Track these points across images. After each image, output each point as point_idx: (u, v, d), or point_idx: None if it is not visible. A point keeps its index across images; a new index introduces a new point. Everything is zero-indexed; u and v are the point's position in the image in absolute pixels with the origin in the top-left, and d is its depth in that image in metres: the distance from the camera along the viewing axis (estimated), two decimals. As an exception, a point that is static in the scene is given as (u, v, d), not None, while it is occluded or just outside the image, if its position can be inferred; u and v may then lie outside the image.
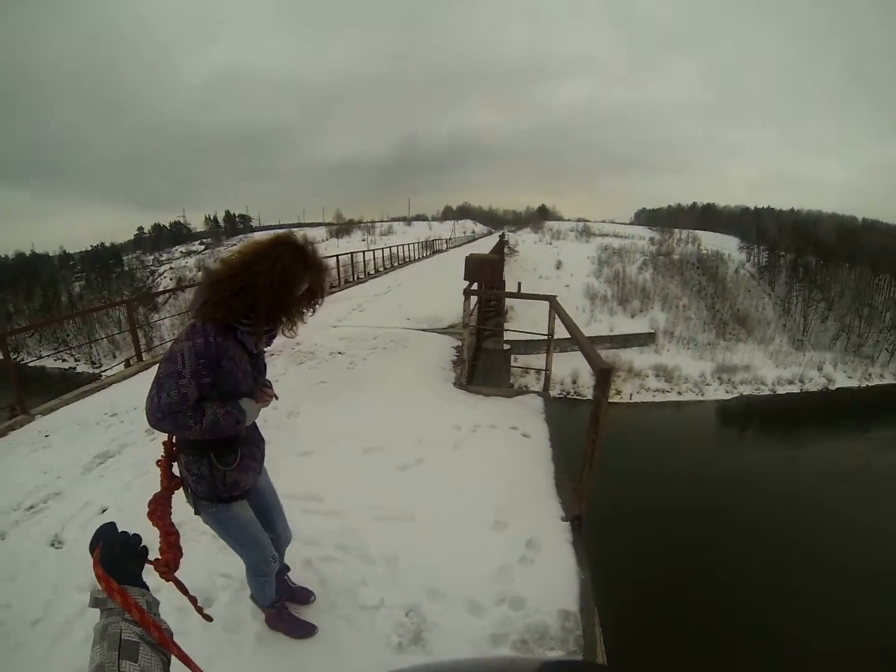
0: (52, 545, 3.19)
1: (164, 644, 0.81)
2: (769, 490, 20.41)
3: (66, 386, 6.71)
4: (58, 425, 5.23)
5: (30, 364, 29.01)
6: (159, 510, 1.71)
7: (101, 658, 0.73)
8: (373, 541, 3.01)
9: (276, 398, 2.01)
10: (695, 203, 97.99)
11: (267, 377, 2.08)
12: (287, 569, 2.55)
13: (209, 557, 2.80)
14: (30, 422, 5.38)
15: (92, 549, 0.91)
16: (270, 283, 1.68)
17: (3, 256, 77.55)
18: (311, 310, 1.94)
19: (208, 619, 1.65)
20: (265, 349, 1.96)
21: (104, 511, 3.49)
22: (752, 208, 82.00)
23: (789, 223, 64.80)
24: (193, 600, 1.58)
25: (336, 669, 2.24)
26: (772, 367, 38.90)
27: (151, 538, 1.57)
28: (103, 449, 4.50)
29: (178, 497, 1.86)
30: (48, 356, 36.20)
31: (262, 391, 1.91)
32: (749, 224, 67.58)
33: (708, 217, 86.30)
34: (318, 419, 4.91)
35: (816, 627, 12.93)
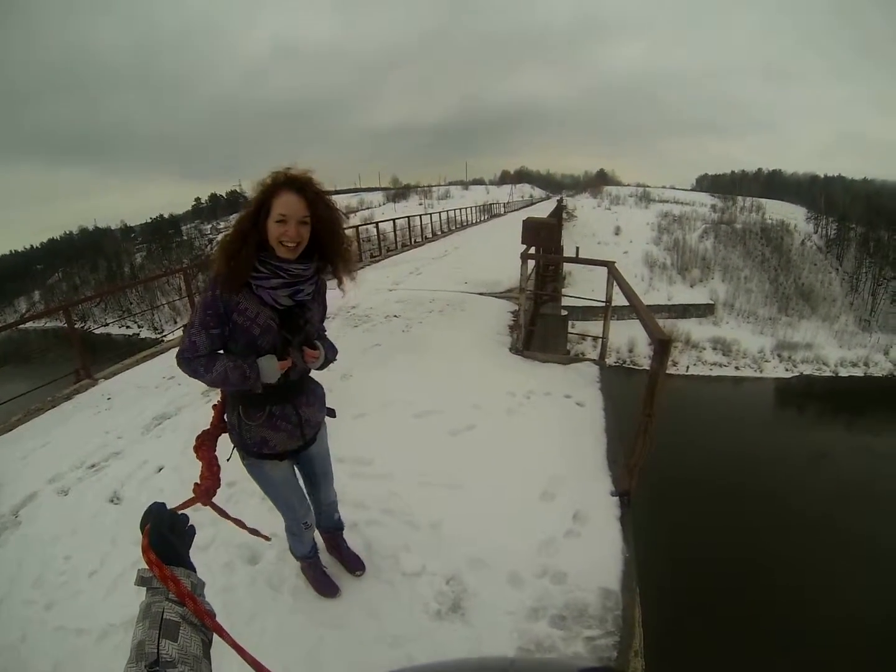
0: (112, 501, 3.34)
1: (216, 630, 0.82)
2: (827, 474, 19.46)
3: (127, 351, 6.98)
4: (119, 389, 5.47)
5: (96, 332, 30.44)
6: (205, 445, 1.82)
7: (142, 635, 0.74)
8: (419, 506, 3.00)
9: (320, 360, 1.90)
10: (760, 169, 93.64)
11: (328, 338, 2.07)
12: (340, 528, 2.58)
13: (258, 517, 2.83)
14: (93, 385, 5.64)
15: (142, 527, 0.92)
16: (244, 217, 1.67)
17: (68, 232, 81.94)
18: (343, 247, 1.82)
19: (266, 538, 1.83)
20: (306, 302, 1.82)
21: (160, 470, 3.64)
22: (822, 176, 76.92)
23: (861, 193, 59.88)
24: (240, 524, 1.72)
25: (373, 632, 2.25)
26: (835, 347, 36.60)
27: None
28: (161, 411, 4.67)
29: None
30: (113, 323, 37.81)
31: (303, 352, 1.83)
32: (817, 193, 63.04)
33: (774, 184, 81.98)
34: (372, 382, 4.90)
35: (875, 622, 12.38)
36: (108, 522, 3.08)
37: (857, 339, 38.11)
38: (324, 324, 2.06)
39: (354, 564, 2.54)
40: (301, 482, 2.21)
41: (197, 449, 1.81)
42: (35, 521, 3.22)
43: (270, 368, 1.75)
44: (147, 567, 0.84)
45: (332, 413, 2.15)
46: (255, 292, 1.71)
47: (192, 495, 1.68)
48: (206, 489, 1.73)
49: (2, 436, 4.58)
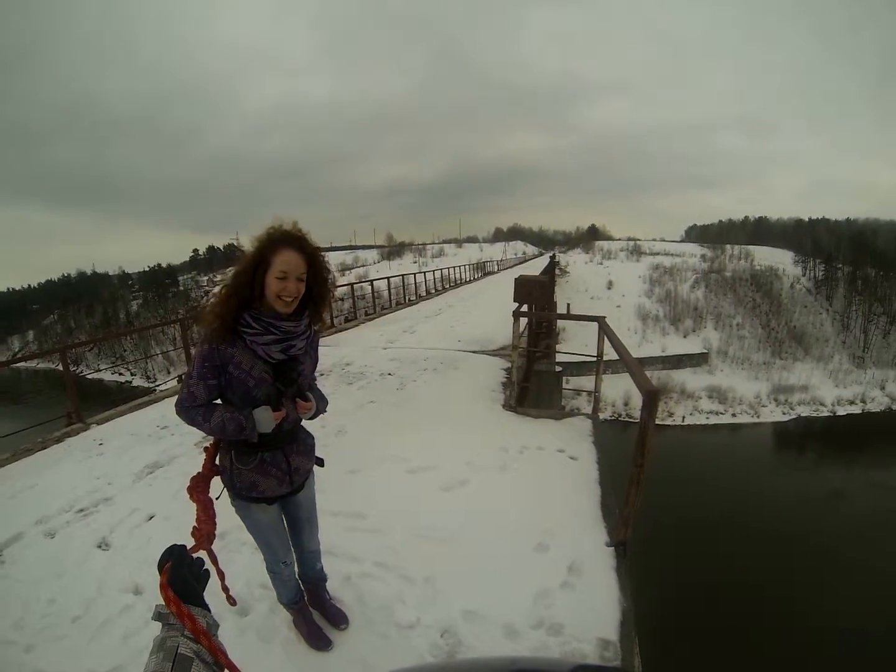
0: (100, 547, 3.29)
1: (229, 667, 0.84)
2: (830, 515, 19.40)
3: (121, 398, 6.98)
4: (111, 435, 5.46)
5: (88, 376, 30.35)
6: (199, 487, 1.86)
7: (154, 666, 0.76)
8: (413, 560, 2.97)
9: (311, 411, 1.98)
10: (746, 217, 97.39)
11: (321, 390, 2.14)
12: (322, 579, 2.54)
13: (249, 568, 2.83)
14: (85, 430, 5.64)
15: (160, 566, 0.95)
16: (238, 273, 1.76)
17: (66, 275, 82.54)
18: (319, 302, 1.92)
19: (232, 602, 1.82)
20: (298, 356, 1.91)
21: (151, 518, 3.61)
22: (806, 220, 79.46)
23: (846, 234, 61.88)
24: (222, 576, 1.75)
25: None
26: (831, 387, 37.19)
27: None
28: (154, 459, 4.65)
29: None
30: (106, 370, 37.65)
31: (296, 403, 1.92)
32: (803, 237, 65.32)
33: (760, 231, 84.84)
34: (366, 438, 4.90)
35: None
36: (95, 568, 3.04)
37: (852, 377, 38.79)
38: (316, 379, 2.15)
39: (338, 618, 2.50)
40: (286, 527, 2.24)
41: (191, 491, 1.85)
42: (19, 562, 3.18)
43: (266, 419, 1.83)
44: (164, 603, 0.87)
45: (320, 462, 2.20)
46: (249, 346, 1.79)
47: (193, 541, 1.71)
48: (207, 533, 1.76)
49: (-10, 473, 4.57)
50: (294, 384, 1.92)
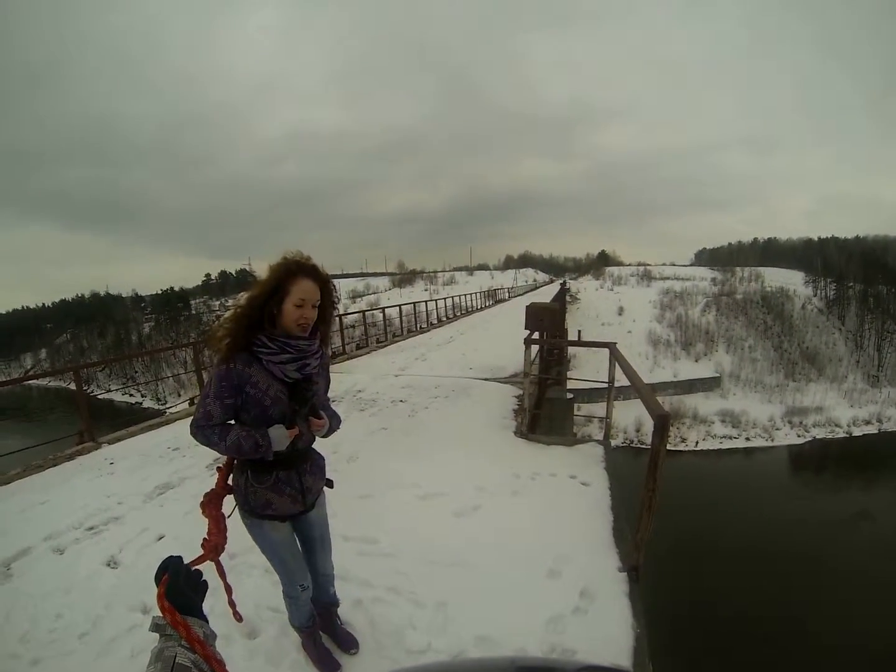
0: (108, 565, 3.29)
1: None
2: (849, 538, 18.98)
3: (132, 419, 7.02)
4: (123, 454, 5.50)
5: (99, 396, 30.58)
6: (213, 503, 1.88)
7: None
8: (424, 585, 2.95)
9: (325, 428, 2.02)
10: (755, 239, 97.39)
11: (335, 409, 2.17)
12: (335, 603, 2.53)
13: (259, 590, 2.83)
14: (97, 449, 5.70)
15: (157, 578, 0.96)
16: (253, 298, 1.83)
17: (80, 295, 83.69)
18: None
19: (238, 618, 1.82)
20: (312, 375, 1.96)
21: (161, 538, 3.60)
22: (816, 239, 78.48)
23: (856, 251, 61.04)
24: (229, 590, 1.76)
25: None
26: (846, 407, 36.45)
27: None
28: (165, 480, 4.66)
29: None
30: (117, 390, 37.87)
31: (309, 421, 1.96)
32: (813, 256, 64.49)
33: (770, 252, 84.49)
34: (378, 464, 4.88)
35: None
36: (103, 586, 3.04)
37: (867, 396, 38.11)
38: (330, 399, 2.19)
39: (348, 642, 2.49)
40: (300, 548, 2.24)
41: (204, 506, 1.87)
42: (27, 576, 3.20)
43: (280, 437, 1.86)
44: (161, 614, 0.88)
45: (329, 484, 2.22)
46: (265, 367, 1.84)
47: (201, 552, 1.71)
48: (215, 545, 1.77)
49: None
50: (308, 403, 1.95)
